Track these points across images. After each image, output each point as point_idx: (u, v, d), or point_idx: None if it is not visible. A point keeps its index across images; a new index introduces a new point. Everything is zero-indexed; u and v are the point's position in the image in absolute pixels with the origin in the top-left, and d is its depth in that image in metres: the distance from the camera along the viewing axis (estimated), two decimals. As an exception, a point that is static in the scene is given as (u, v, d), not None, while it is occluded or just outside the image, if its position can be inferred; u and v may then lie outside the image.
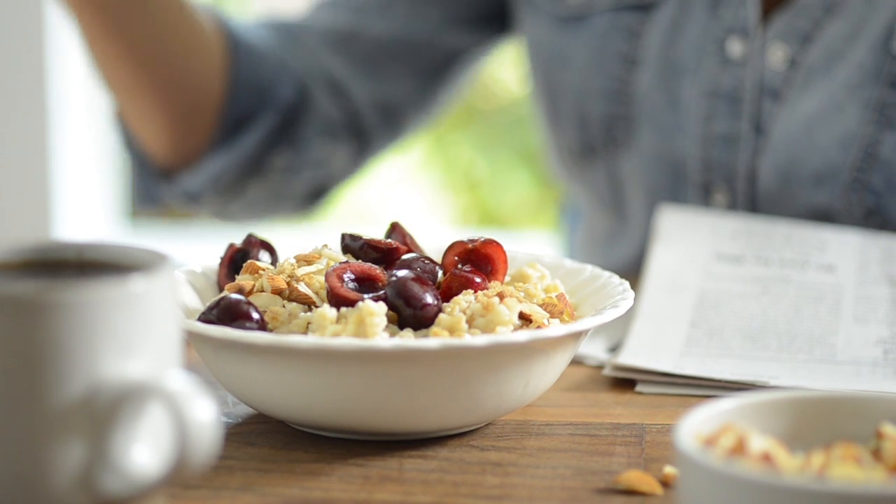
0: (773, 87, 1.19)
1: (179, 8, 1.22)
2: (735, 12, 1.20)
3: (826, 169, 1.17)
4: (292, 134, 1.32)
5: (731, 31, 1.20)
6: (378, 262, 0.86)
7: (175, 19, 1.22)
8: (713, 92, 1.21)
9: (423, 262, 0.85)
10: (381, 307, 0.80)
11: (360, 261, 0.86)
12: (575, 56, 1.27)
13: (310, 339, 0.78)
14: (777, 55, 1.18)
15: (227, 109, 1.28)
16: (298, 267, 0.86)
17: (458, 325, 0.80)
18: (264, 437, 0.84)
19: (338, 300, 0.82)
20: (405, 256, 0.86)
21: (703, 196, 1.22)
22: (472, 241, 0.87)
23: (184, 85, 1.25)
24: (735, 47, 1.20)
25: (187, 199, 1.31)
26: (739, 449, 0.66)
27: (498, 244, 0.87)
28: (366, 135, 1.36)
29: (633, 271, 1.19)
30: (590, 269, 0.92)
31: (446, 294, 0.84)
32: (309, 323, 0.81)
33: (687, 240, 1.10)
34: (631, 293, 0.87)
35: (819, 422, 0.71)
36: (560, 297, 0.86)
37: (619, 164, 1.27)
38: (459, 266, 0.86)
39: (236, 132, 1.29)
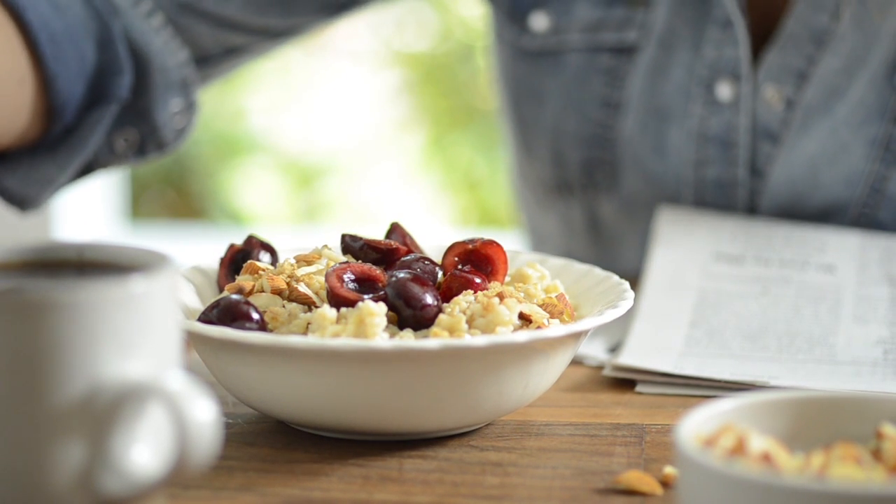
0: (769, 129, 1.15)
1: None
2: (720, 52, 1.15)
3: (831, 206, 1.15)
4: (137, 108, 1.13)
5: (718, 71, 1.16)
6: (378, 262, 0.86)
7: None
8: (702, 135, 1.17)
9: (423, 262, 0.85)
10: (381, 307, 0.80)
11: (360, 261, 0.86)
12: (548, 94, 1.22)
13: (310, 340, 0.78)
14: (773, 96, 1.14)
15: (53, 119, 1.07)
16: (298, 267, 0.86)
17: (458, 325, 0.80)
18: (264, 437, 0.84)
19: (338, 300, 0.82)
20: (405, 257, 0.86)
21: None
22: (472, 241, 0.87)
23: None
24: (724, 90, 1.16)
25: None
26: (739, 449, 0.66)
27: (498, 245, 0.87)
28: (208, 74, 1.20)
29: (637, 279, 1.19)
30: (590, 270, 0.92)
31: (446, 294, 0.84)
32: (309, 323, 0.81)
33: (686, 240, 1.10)
34: (631, 293, 0.87)
35: (819, 422, 0.71)
36: (560, 297, 0.86)
37: (599, 204, 1.23)
38: (459, 267, 0.86)
39: (70, 136, 1.09)
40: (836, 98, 1.13)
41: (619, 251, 1.25)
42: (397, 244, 0.87)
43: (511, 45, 1.25)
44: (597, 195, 1.23)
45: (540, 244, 1.35)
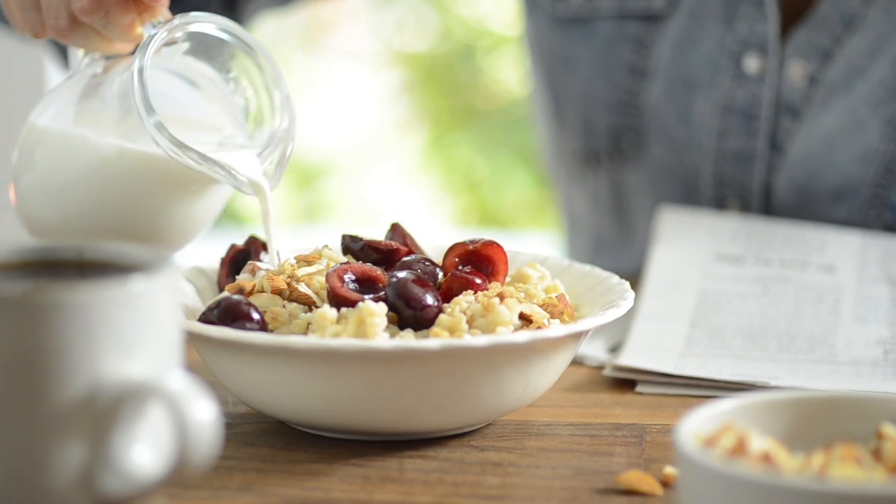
0: (791, 103, 1.18)
1: None
2: (751, 27, 1.19)
3: (845, 185, 1.16)
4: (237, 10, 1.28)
5: (747, 46, 1.19)
6: (379, 263, 0.86)
7: None
8: (727, 107, 1.20)
9: (424, 263, 0.85)
10: (382, 307, 0.80)
11: (360, 262, 0.86)
12: (580, 61, 1.26)
13: (310, 340, 0.78)
14: (797, 72, 1.17)
15: None
16: (299, 268, 0.86)
17: (458, 325, 0.80)
18: (264, 437, 0.84)
19: (338, 300, 0.82)
20: (406, 258, 0.86)
21: (715, 211, 1.22)
22: (472, 242, 0.87)
23: None
24: (752, 63, 1.19)
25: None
26: (740, 449, 0.66)
27: (498, 246, 0.87)
28: None
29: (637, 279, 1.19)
30: (590, 270, 0.92)
31: (447, 295, 0.84)
32: (309, 323, 0.81)
33: (687, 240, 1.10)
34: (631, 293, 0.87)
35: (819, 422, 0.71)
36: (560, 297, 0.86)
37: (625, 175, 1.26)
38: (460, 267, 0.86)
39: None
40: (858, 77, 1.16)
41: (641, 229, 1.27)
42: (398, 245, 0.87)
43: (547, 13, 1.28)
44: (623, 165, 1.25)
45: (572, 225, 1.38)
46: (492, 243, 0.87)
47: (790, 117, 1.18)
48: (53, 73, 2.48)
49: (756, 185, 1.19)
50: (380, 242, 0.87)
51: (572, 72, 1.26)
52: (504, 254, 0.87)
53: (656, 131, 1.23)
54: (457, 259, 0.87)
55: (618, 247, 1.32)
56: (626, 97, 1.24)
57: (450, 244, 0.88)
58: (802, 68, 1.17)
